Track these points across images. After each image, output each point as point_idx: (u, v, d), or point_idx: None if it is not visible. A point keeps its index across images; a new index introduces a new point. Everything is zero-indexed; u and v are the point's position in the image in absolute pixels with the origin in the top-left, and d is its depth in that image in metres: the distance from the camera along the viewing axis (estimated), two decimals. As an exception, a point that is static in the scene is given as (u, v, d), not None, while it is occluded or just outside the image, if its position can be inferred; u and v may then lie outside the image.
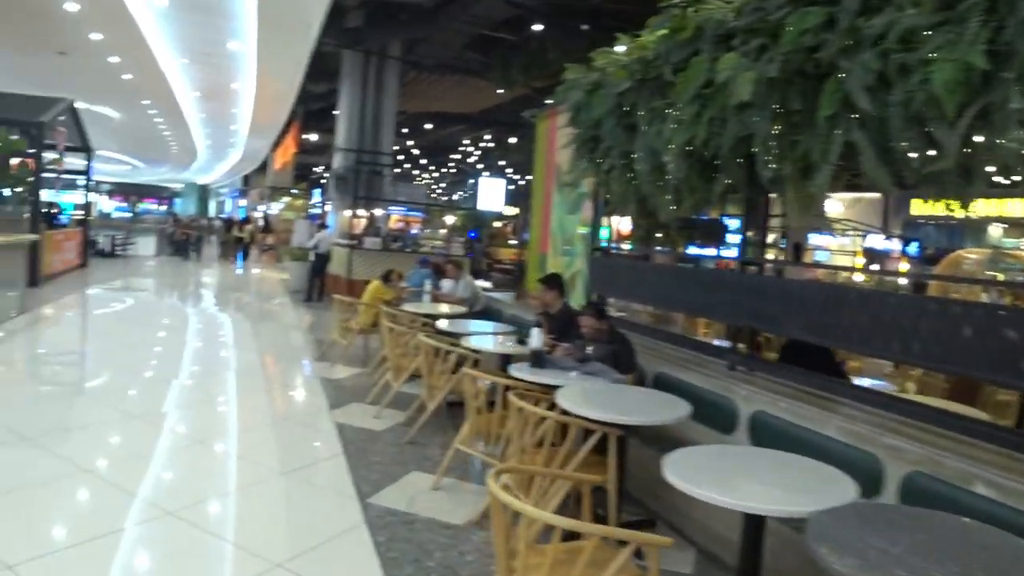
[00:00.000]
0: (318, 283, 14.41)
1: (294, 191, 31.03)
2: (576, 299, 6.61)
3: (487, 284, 10.43)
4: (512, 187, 25.02)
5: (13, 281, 10.61)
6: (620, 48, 5.37)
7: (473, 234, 27.97)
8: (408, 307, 7.80)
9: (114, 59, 16.78)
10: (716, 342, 6.00)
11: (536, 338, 4.59)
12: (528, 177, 33.88)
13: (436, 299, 8.51)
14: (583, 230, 7.31)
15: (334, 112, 21.18)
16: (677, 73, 4.39)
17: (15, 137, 13.48)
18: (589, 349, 4.67)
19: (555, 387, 4.11)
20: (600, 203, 6.46)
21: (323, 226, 16.29)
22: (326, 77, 19.76)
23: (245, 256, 26.61)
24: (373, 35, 16.77)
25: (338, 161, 17.12)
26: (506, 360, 5.60)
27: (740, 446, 3.54)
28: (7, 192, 13.47)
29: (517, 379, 4.28)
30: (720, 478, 2.87)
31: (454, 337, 6.06)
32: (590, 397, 3.88)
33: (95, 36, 14.92)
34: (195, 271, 21.12)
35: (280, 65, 16.36)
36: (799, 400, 3.98)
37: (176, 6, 12.99)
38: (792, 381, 4.26)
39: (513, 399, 3.65)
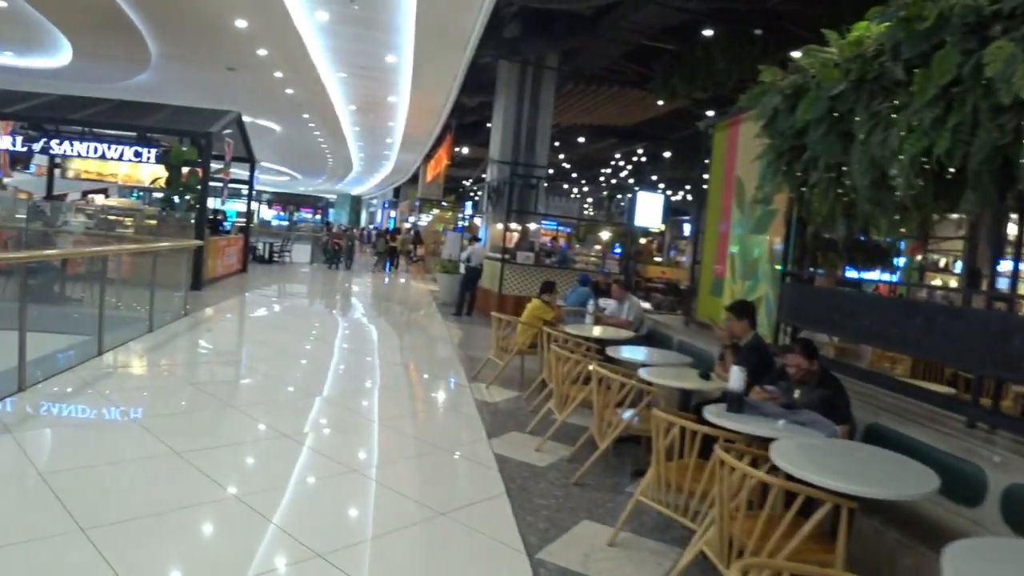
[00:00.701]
0: (469, 297, 14.17)
1: (444, 203, 31.30)
2: (760, 329, 5.92)
3: (647, 305, 9.77)
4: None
5: (178, 284, 10.91)
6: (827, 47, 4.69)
7: (617, 250, 27.22)
8: (569, 329, 7.30)
9: (278, 74, 17.33)
10: (927, 386, 5.18)
11: (737, 379, 3.95)
12: (681, 192, 32.93)
13: (599, 321, 7.98)
14: (734, 247, 6.62)
15: (487, 125, 21.10)
16: (911, 71, 3.70)
17: (185, 148, 13.99)
18: (796, 393, 4.01)
19: (755, 436, 3.51)
20: (795, 222, 5.75)
21: (475, 239, 16.10)
22: (480, 90, 19.68)
23: (394, 266, 27.02)
24: (530, 46, 16.49)
25: (492, 173, 16.91)
26: (687, 397, 5.01)
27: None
28: (177, 199, 13.97)
29: (717, 426, 3.68)
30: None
31: (626, 366, 5.53)
32: (812, 456, 3.23)
33: (262, 52, 15.42)
34: (347, 280, 21.46)
35: (436, 77, 16.38)
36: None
37: (337, 20, 13.15)
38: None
39: (722, 455, 3.07)
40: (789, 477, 3.07)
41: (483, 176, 20.71)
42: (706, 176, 8.06)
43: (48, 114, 15.22)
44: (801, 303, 5.52)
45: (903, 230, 4.17)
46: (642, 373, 5.04)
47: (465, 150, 27.90)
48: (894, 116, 3.84)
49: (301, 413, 6.38)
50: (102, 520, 3.70)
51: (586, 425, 5.81)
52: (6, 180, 17.04)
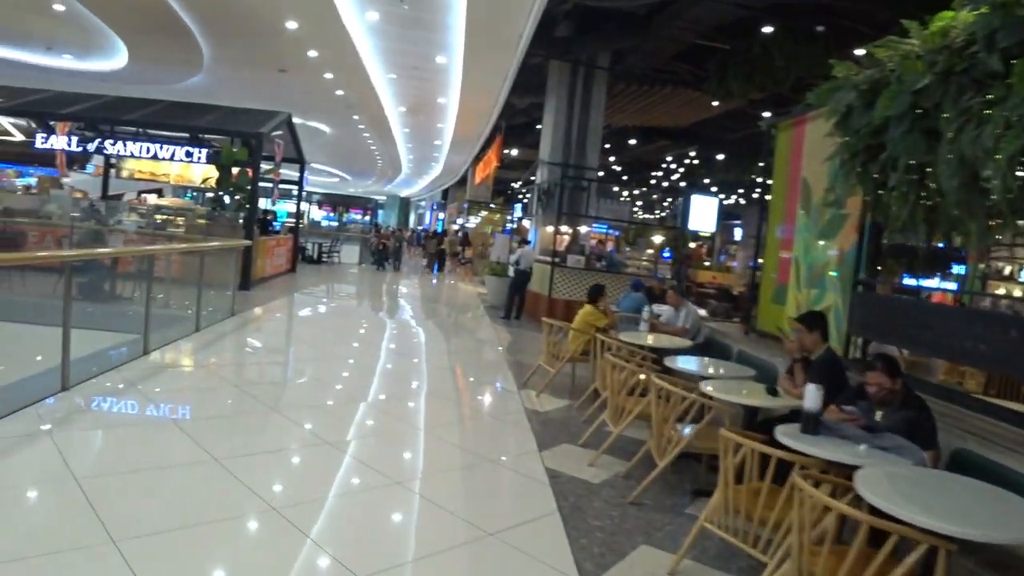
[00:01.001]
0: (518, 300, 13.92)
1: (492, 205, 31.12)
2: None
3: (702, 312, 9.37)
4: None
5: (227, 283, 10.92)
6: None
7: (666, 254, 26.75)
8: (624, 336, 7.01)
9: (328, 75, 17.31)
10: (1014, 407, 4.78)
11: (813, 397, 3.63)
12: (734, 196, 32.30)
13: (654, 328, 7.66)
14: (799, 253, 6.24)
15: (536, 126, 20.86)
16: (1009, 61, 3.36)
17: (235, 149, 14.02)
18: (877, 415, 3.68)
19: (834, 461, 3.19)
20: (869, 226, 5.39)
21: (524, 241, 15.85)
22: (530, 90, 19.48)
23: (440, 268, 26.93)
24: (582, 45, 16.22)
25: (542, 175, 16.66)
26: (751, 414, 4.69)
27: None
28: (228, 199, 14.01)
29: (790, 449, 3.38)
30: None
31: (685, 378, 5.23)
32: (902, 488, 2.91)
33: (312, 53, 15.42)
34: (395, 281, 21.36)
35: (486, 78, 16.20)
36: None
37: (386, 20, 13.04)
38: None
39: (801, 483, 2.77)
40: (873, 510, 2.76)
41: (532, 178, 20.47)
42: (756, 177, 7.71)
43: (103, 115, 15.40)
44: (875, 314, 5.15)
45: (999, 237, 3.79)
46: (703, 386, 4.74)
47: (514, 152, 27.71)
48: (988, 112, 3.50)
49: (345, 419, 6.22)
50: (134, 532, 3.55)
51: (641, 438, 5.55)
52: (63, 180, 17.34)
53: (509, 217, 28.69)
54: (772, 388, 4.67)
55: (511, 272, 14.23)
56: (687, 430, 4.59)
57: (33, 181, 17.95)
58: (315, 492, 4.42)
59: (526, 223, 22.38)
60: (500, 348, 10.79)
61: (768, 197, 7.75)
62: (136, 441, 5.11)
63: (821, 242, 6.29)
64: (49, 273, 9.01)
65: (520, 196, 33.76)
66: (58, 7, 13.91)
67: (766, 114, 13.26)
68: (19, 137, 16.41)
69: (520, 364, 9.17)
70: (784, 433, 3.61)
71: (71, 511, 3.76)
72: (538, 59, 16.60)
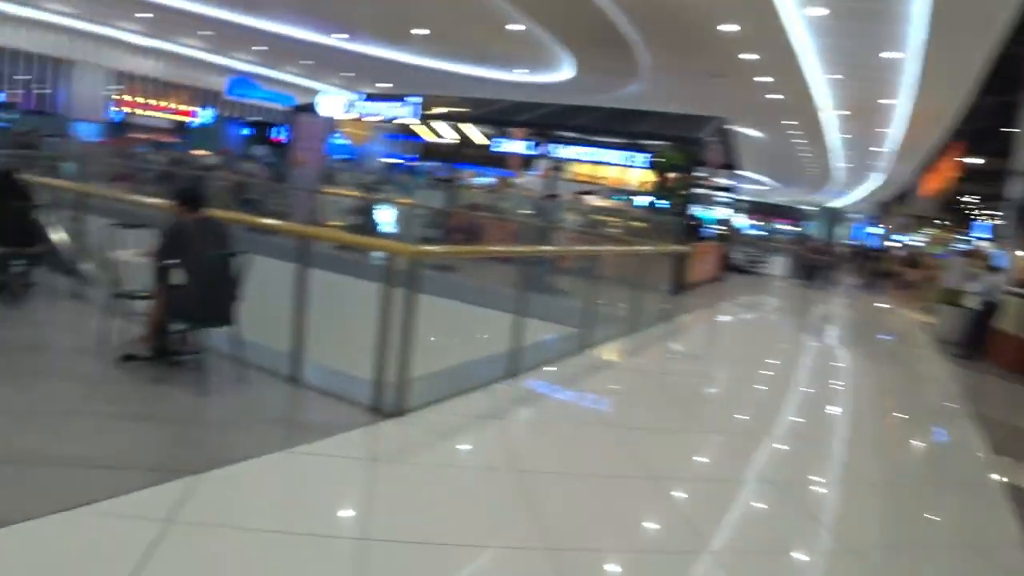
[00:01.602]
0: (981, 338, 11.57)
1: (941, 222, 27.33)
2: None
3: None
4: None
5: (660, 288, 11.12)
6: None
7: None
8: None
9: (764, 79, 16.59)
10: None
11: None
12: None
13: None
14: None
15: (1004, 130, 17.89)
16: None
17: (673, 154, 14.15)
18: None
19: None
20: None
21: (993, 268, 13.37)
22: (998, 87, 16.61)
23: (879, 290, 24.15)
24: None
25: (1018, 189, 13.97)
26: None
27: None
28: (665, 203, 14.14)
29: None
30: None
31: None
32: None
33: (749, 56, 14.88)
34: (828, 300, 19.51)
35: (948, 74, 14.18)
36: None
37: (834, 15, 11.93)
38: None
39: None
40: None
41: (996, 194, 17.50)
42: None
43: (552, 121, 16.89)
44: None
45: None
46: None
47: (973, 160, 24.08)
48: None
49: (782, 456, 5.56)
50: (566, 542, 3.46)
51: None
52: (515, 180, 19.21)
53: (964, 236, 24.95)
54: None
55: (978, 304, 11.94)
56: None
57: (486, 180, 20.21)
58: (759, 542, 3.88)
59: (986, 245, 19.23)
60: (958, 396, 8.93)
61: None
62: (575, 441, 5.11)
63: None
64: (501, 262, 9.72)
65: (975, 213, 29.24)
66: (517, 27, 15.17)
67: None
68: (481, 141, 18.59)
69: (986, 419, 7.38)
70: None
71: (504, 504, 3.78)
72: (1014, 49, 14.00)
